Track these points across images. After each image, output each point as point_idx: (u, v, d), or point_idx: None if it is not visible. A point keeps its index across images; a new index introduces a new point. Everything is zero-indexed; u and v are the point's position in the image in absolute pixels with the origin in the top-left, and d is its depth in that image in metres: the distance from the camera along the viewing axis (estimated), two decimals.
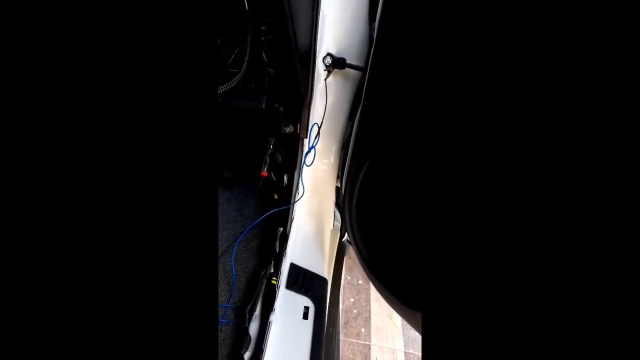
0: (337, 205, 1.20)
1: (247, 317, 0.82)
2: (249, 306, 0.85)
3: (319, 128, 0.85)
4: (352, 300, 1.88)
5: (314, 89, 0.82)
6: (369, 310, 1.84)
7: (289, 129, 0.91)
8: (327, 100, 0.82)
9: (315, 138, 0.86)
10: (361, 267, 2.15)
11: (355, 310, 1.83)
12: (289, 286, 0.88)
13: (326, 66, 0.83)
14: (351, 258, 1.77)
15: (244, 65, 0.66)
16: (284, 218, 1.04)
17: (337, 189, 1.17)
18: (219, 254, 1.10)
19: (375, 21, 0.90)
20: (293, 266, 0.92)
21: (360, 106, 0.80)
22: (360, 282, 1.96)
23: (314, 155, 0.89)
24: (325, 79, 0.81)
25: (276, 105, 0.88)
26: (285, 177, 1.02)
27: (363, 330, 1.75)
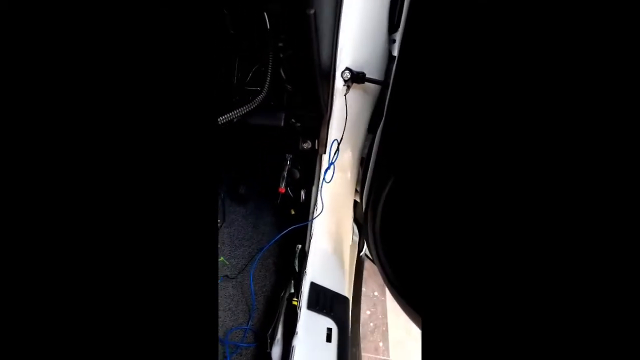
0: (355, 219, 1.17)
1: (269, 341, 0.79)
2: (270, 329, 0.82)
3: (339, 144, 0.83)
4: (368, 312, 1.84)
5: (333, 104, 0.81)
6: (386, 324, 1.80)
7: (306, 145, 0.89)
8: (347, 116, 0.80)
9: (335, 154, 0.84)
10: (376, 279, 2.10)
11: (372, 324, 1.79)
12: (311, 307, 0.85)
13: (345, 81, 0.81)
14: (366, 270, 1.74)
15: (267, 84, 0.65)
16: (302, 235, 1.02)
17: (355, 203, 1.14)
18: (237, 272, 1.08)
19: (393, 32, 0.88)
20: (313, 285, 0.90)
21: (383, 121, 0.78)
22: (376, 294, 1.92)
23: (334, 171, 0.86)
24: (345, 95, 0.79)
25: (293, 120, 0.86)
26: (303, 193, 1.00)
27: (381, 344, 1.71)
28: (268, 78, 0.63)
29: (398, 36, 0.78)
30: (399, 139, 0.75)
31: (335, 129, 0.84)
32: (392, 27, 0.87)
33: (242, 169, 1.11)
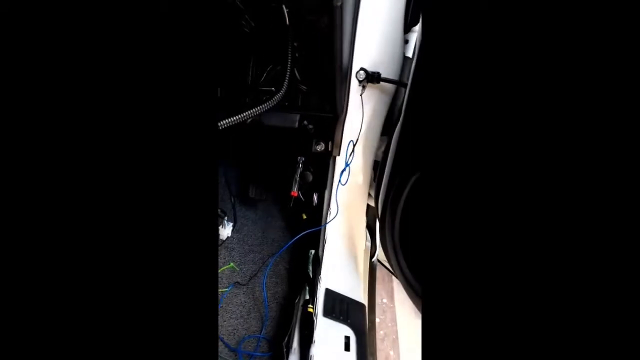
0: (367, 224, 1.14)
1: (285, 350, 0.76)
2: (286, 338, 0.79)
3: (354, 145, 0.81)
4: (377, 320, 1.80)
5: (349, 105, 0.79)
6: (396, 332, 1.75)
7: (320, 147, 0.87)
8: (363, 117, 0.79)
9: (350, 155, 0.82)
10: (384, 285, 2.06)
11: (381, 332, 1.74)
12: (327, 314, 0.82)
13: (360, 81, 0.80)
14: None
15: (285, 83, 0.63)
16: (314, 240, 0.99)
17: (367, 208, 1.12)
18: (247, 279, 1.05)
19: (407, 32, 0.87)
20: (329, 292, 0.87)
21: (401, 120, 0.76)
22: (384, 300, 1.88)
23: (349, 173, 0.84)
24: (360, 94, 0.78)
25: (305, 122, 0.85)
26: (315, 197, 0.98)
27: (392, 352, 1.66)
28: (287, 75, 0.62)
29: (417, 35, 0.77)
30: (419, 138, 0.73)
31: (349, 130, 0.82)
32: (406, 27, 0.85)
33: (253, 170, 1.09)
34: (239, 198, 1.19)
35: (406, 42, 0.88)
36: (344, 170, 0.83)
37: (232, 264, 1.08)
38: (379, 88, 0.82)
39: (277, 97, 0.61)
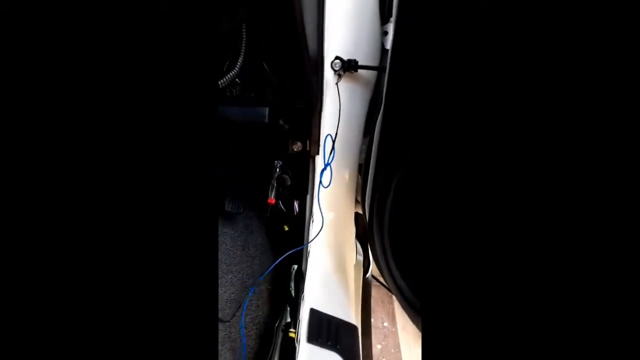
0: (358, 236, 1.04)
1: None
2: None
3: (333, 141, 0.72)
4: (379, 347, 1.64)
5: (324, 96, 0.71)
6: (400, 359, 1.59)
7: (297, 147, 0.78)
8: (340, 107, 0.70)
9: (331, 153, 0.73)
10: (384, 307, 1.90)
11: (384, 359, 1.58)
12: (312, 339, 0.70)
13: (335, 70, 0.73)
14: (372, 297, 1.56)
15: (240, 59, 0.55)
16: (298, 254, 0.88)
17: (356, 217, 1.02)
18: (226, 311, 0.92)
19: (385, 23, 0.81)
20: (314, 312, 0.75)
21: (382, 109, 0.68)
22: (385, 324, 1.72)
23: (331, 172, 0.75)
24: (336, 83, 0.70)
25: (281, 122, 0.77)
26: (296, 205, 0.88)
27: None
28: (242, 51, 0.54)
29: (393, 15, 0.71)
30: (403, 130, 0.64)
31: (327, 125, 0.74)
32: (383, 17, 0.80)
33: (227, 181, 0.99)
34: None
35: (385, 33, 0.82)
36: (324, 169, 0.74)
37: None
38: (357, 78, 0.75)
39: (232, 74, 0.53)
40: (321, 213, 0.76)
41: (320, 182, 0.74)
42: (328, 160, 0.72)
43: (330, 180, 0.75)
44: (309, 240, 0.78)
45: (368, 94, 0.77)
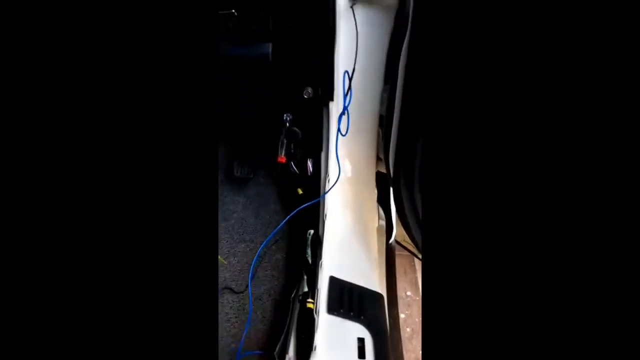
0: (379, 199, 0.94)
1: None
2: (279, 346, 0.59)
3: (350, 78, 0.60)
4: (402, 316, 1.58)
5: (337, 24, 0.59)
6: None
7: (307, 94, 0.67)
8: (357, 35, 0.58)
9: (347, 93, 0.62)
10: (406, 277, 1.83)
11: (408, 329, 1.52)
12: (332, 309, 0.62)
13: None
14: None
15: None
16: (314, 218, 0.79)
17: (378, 177, 0.91)
18: (240, 281, 0.85)
19: None
20: (334, 280, 0.66)
21: (407, 40, 0.55)
22: (409, 293, 1.66)
23: (348, 118, 0.64)
24: (351, 6, 0.57)
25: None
26: (310, 164, 0.78)
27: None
28: None
29: None
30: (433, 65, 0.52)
31: (342, 59, 0.62)
32: None
33: (233, 140, 0.90)
34: (222, 180, 1.01)
35: None
36: (342, 114, 0.62)
37: (219, 257, 0.89)
38: (376, 5, 0.61)
39: None
40: (338, 163, 0.65)
41: (339, 129, 0.63)
42: (346, 104, 0.61)
43: (348, 127, 0.64)
44: (324, 193, 0.69)
45: (389, 23, 0.64)
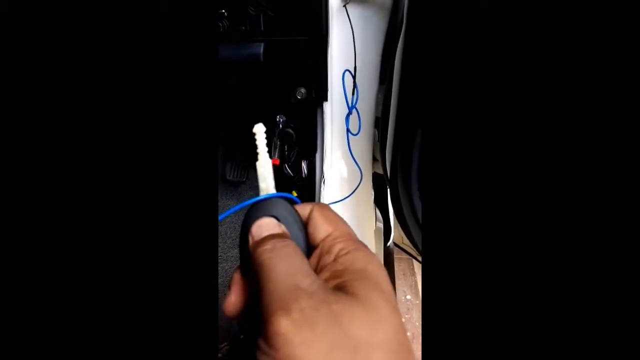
0: (376, 201, 0.92)
1: None
2: None
3: (354, 76, 0.59)
4: (402, 320, 1.57)
5: (331, 24, 0.58)
6: None
7: (300, 95, 0.65)
8: (353, 33, 0.57)
9: (354, 92, 0.60)
10: (405, 280, 1.81)
11: (408, 333, 1.51)
12: None
13: None
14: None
15: None
16: None
17: (374, 178, 0.90)
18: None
19: None
20: None
21: (402, 37, 0.54)
22: (408, 297, 1.65)
23: (359, 116, 0.63)
24: (344, 5, 0.56)
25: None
26: (304, 165, 0.77)
27: None
28: None
29: None
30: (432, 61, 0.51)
31: (338, 59, 0.61)
32: None
33: (225, 143, 0.88)
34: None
35: None
36: (349, 113, 0.61)
37: None
38: (369, 4, 0.60)
39: None
40: (356, 163, 0.65)
41: (347, 129, 0.62)
42: (353, 102, 0.60)
43: (360, 126, 0.63)
44: (349, 194, 0.68)
45: (383, 23, 0.63)
